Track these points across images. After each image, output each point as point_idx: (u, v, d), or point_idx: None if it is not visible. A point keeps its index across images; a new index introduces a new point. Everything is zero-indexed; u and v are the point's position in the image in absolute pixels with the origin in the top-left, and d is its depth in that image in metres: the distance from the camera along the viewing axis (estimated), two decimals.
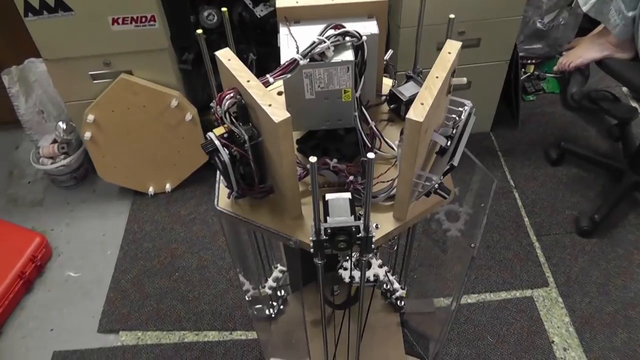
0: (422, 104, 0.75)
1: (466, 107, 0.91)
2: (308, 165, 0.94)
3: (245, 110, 0.79)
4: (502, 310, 1.82)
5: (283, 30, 0.93)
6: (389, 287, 1.68)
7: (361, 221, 0.81)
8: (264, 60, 2.13)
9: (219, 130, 0.84)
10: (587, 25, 2.41)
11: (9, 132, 2.51)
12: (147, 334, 1.82)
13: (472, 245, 1.02)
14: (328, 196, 0.86)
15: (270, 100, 0.75)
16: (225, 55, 0.84)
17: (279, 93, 1.05)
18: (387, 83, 1.13)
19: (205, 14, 1.99)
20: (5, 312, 1.87)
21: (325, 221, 0.83)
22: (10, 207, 2.27)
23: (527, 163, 2.32)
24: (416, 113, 0.73)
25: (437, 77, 0.79)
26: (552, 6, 2.44)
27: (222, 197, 0.96)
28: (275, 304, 1.70)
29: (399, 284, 1.67)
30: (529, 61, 2.67)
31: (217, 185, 0.97)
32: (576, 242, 2.02)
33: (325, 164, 0.94)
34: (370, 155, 0.70)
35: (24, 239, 2.00)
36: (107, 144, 2.08)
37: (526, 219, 2.10)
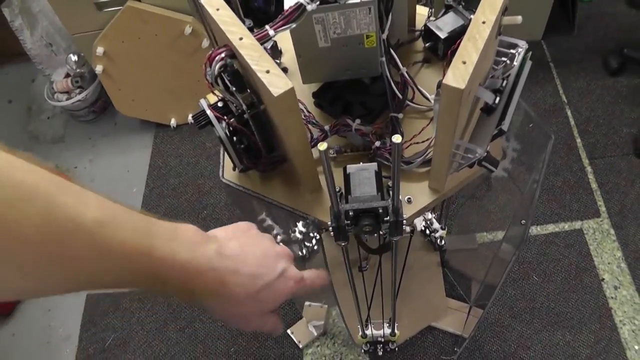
0: (465, 62, 0.58)
1: (520, 49, 0.73)
2: (327, 127, 0.80)
3: (239, 76, 0.63)
4: (549, 246, 1.69)
5: None
6: (428, 225, 1.56)
7: (390, 201, 0.67)
8: None
9: (212, 98, 0.69)
10: None
11: (23, 65, 2.39)
12: None
13: (522, 221, 0.87)
14: (350, 168, 0.71)
15: (268, 64, 0.59)
16: (213, 3, 0.67)
17: None
18: (422, 13, 0.93)
19: None
20: None
21: (347, 200, 0.69)
22: (33, 145, 2.21)
23: (582, 74, 2.08)
24: (456, 77, 0.56)
25: (483, 22, 0.61)
26: None
27: (228, 168, 0.82)
28: (308, 244, 1.61)
29: (439, 223, 1.54)
30: None
31: (221, 152, 0.83)
32: (633, 165, 1.82)
33: (347, 125, 0.78)
34: (396, 138, 0.54)
35: None
36: (121, 76, 1.95)
37: (578, 140, 1.90)
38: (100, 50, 1.83)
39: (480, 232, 1.70)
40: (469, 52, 0.58)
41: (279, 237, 1.42)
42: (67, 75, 2.10)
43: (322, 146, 0.55)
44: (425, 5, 0.94)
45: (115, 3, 1.77)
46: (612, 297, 1.57)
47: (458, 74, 0.57)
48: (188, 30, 1.80)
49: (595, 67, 2.09)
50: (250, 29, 0.70)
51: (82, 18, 1.80)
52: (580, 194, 1.78)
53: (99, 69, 1.89)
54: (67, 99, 2.08)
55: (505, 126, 0.68)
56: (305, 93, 0.86)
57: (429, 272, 1.58)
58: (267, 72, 0.59)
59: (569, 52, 2.15)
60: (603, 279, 1.61)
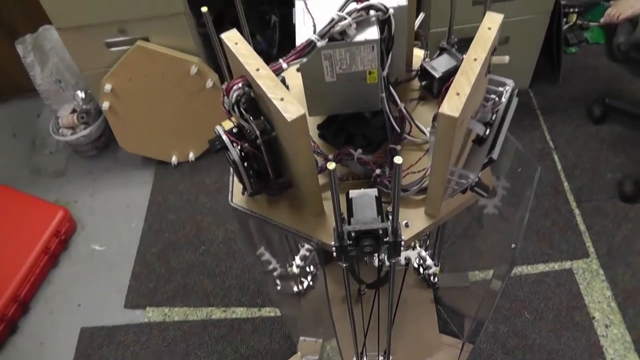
0: (458, 93, 0.64)
1: (507, 87, 0.80)
2: (330, 156, 0.86)
3: (255, 103, 0.70)
4: (540, 285, 1.73)
5: (299, 4, 0.82)
6: (421, 262, 1.61)
7: (389, 223, 0.72)
8: (288, 21, 2.00)
9: (228, 124, 0.75)
10: None
11: (29, 100, 2.46)
12: (174, 310, 1.80)
13: (513, 245, 0.92)
14: (352, 193, 0.77)
15: (283, 93, 0.66)
16: (232, 38, 0.74)
17: (299, 70, 0.94)
18: (418, 54, 1.01)
19: None
20: (33, 287, 1.87)
21: (349, 222, 0.74)
22: (34, 178, 2.25)
23: (567, 122, 2.17)
24: (451, 106, 0.63)
25: (475, 60, 0.68)
26: None
27: (237, 192, 0.88)
28: (304, 280, 1.64)
29: (433, 259, 1.58)
30: (571, 10, 2.46)
31: (230, 178, 0.89)
32: (619, 208, 1.89)
33: (349, 155, 0.84)
34: (397, 160, 0.60)
35: (48, 212, 1.97)
36: (127, 113, 2.02)
37: (566, 184, 1.98)
38: (108, 87, 1.91)
39: (472, 271, 1.75)
40: (462, 85, 0.65)
41: (276, 272, 1.46)
42: (74, 111, 2.16)
43: (331, 165, 0.61)
44: (421, 47, 1.02)
45: (125, 42, 1.86)
46: (603, 336, 1.61)
47: (453, 104, 0.63)
48: (194, 70, 1.88)
49: (579, 115, 2.19)
50: None
51: (92, 56, 1.89)
52: (569, 235, 1.84)
53: (105, 105, 1.96)
54: (71, 134, 2.14)
55: (495, 155, 0.74)
56: (310, 125, 0.92)
57: (423, 308, 1.61)
58: (282, 99, 0.65)
59: (555, 101, 2.25)
60: (594, 317, 1.65)
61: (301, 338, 1.69)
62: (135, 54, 1.86)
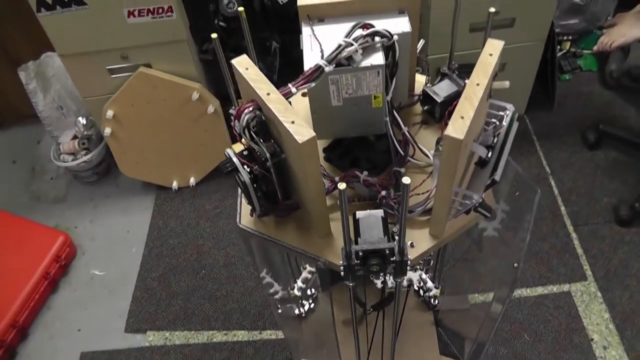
0: (462, 117, 0.67)
1: (507, 112, 0.83)
2: (337, 179, 0.88)
3: (265, 126, 0.72)
4: (539, 307, 1.74)
5: (306, 31, 0.85)
6: (422, 285, 1.62)
7: (395, 243, 0.74)
8: (288, 48, 2.04)
9: (238, 147, 0.77)
10: None
11: (29, 127, 2.48)
12: (175, 334, 1.79)
13: (515, 264, 0.94)
14: (359, 214, 0.79)
15: (293, 116, 0.68)
16: (243, 64, 0.77)
17: (304, 94, 0.97)
18: (420, 80, 1.04)
19: (225, 1, 1.91)
20: (32, 312, 1.86)
21: (357, 242, 0.76)
22: (34, 204, 2.26)
23: (563, 147, 2.21)
24: (456, 129, 0.66)
25: (477, 85, 0.71)
26: None
27: (245, 214, 0.90)
28: (305, 302, 1.65)
29: (433, 282, 1.60)
30: (565, 37, 2.52)
31: (238, 200, 0.91)
32: (615, 232, 1.92)
33: (355, 177, 0.87)
34: (406, 180, 0.62)
35: (48, 238, 1.98)
36: (128, 139, 2.04)
37: (563, 208, 2.00)
38: (110, 113, 1.93)
39: (472, 293, 1.76)
40: (466, 109, 0.68)
41: (277, 295, 1.47)
42: (75, 137, 2.18)
43: (342, 185, 0.63)
44: (422, 73, 1.05)
45: (127, 69, 1.89)
46: (601, 357, 1.62)
47: (457, 127, 0.66)
48: (195, 96, 1.91)
49: (574, 141, 2.23)
50: None
51: (94, 82, 1.91)
52: (567, 258, 1.85)
53: (107, 131, 1.98)
54: (72, 160, 2.16)
55: (497, 176, 0.77)
56: None
57: (423, 330, 1.62)
58: (292, 122, 0.67)
59: (550, 127, 2.29)
60: (592, 339, 1.66)
61: None
62: (138, 80, 1.89)
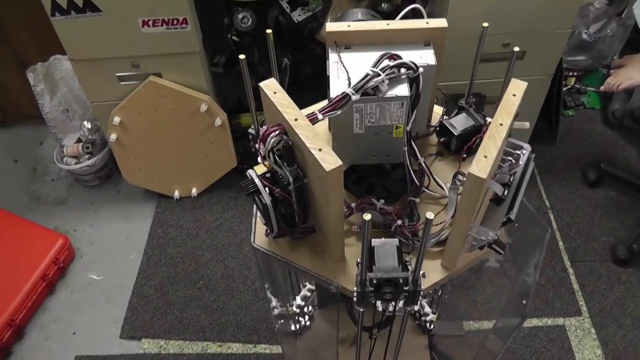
0: (486, 156, 0.69)
1: (524, 151, 0.84)
2: (353, 204, 0.89)
3: (291, 151, 0.73)
4: (532, 338, 1.76)
5: (333, 57, 0.87)
6: (419, 309, 1.63)
7: (410, 273, 0.75)
8: (298, 65, 2.07)
9: (260, 169, 0.78)
10: (635, 36, 2.31)
11: (33, 127, 2.48)
12: (170, 343, 1.79)
13: (524, 301, 0.95)
14: (375, 242, 0.80)
15: (321, 144, 0.69)
16: (271, 87, 0.78)
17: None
18: (437, 111, 1.06)
19: (240, 16, 1.93)
20: (28, 313, 1.86)
21: (371, 270, 0.77)
22: (34, 205, 2.25)
23: (563, 183, 2.23)
24: (479, 167, 0.67)
25: (501, 125, 0.73)
26: (600, 15, 2.32)
27: (259, 233, 0.90)
28: (301, 319, 1.65)
29: (430, 307, 1.61)
30: (571, 73, 2.56)
31: (253, 219, 0.92)
32: (612, 270, 1.94)
33: (372, 204, 0.88)
34: (429, 215, 0.64)
35: (47, 240, 1.97)
36: (133, 146, 2.04)
37: (561, 243, 2.02)
38: (117, 119, 1.94)
39: (467, 321, 1.77)
40: (490, 148, 0.70)
41: (276, 311, 1.47)
42: (79, 141, 2.19)
43: (367, 217, 0.64)
44: (439, 104, 1.07)
45: (136, 77, 1.89)
46: None
47: (481, 166, 0.67)
48: (204, 107, 1.92)
49: (575, 177, 2.25)
50: None
51: (103, 88, 1.92)
52: (562, 293, 1.87)
53: (113, 137, 1.98)
54: (75, 163, 2.16)
55: (513, 215, 0.78)
56: None
57: (418, 354, 1.62)
58: (320, 150, 0.69)
59: (552, 162, 2.32)
60: None
61: None
62: (147, 88, 1.90)
